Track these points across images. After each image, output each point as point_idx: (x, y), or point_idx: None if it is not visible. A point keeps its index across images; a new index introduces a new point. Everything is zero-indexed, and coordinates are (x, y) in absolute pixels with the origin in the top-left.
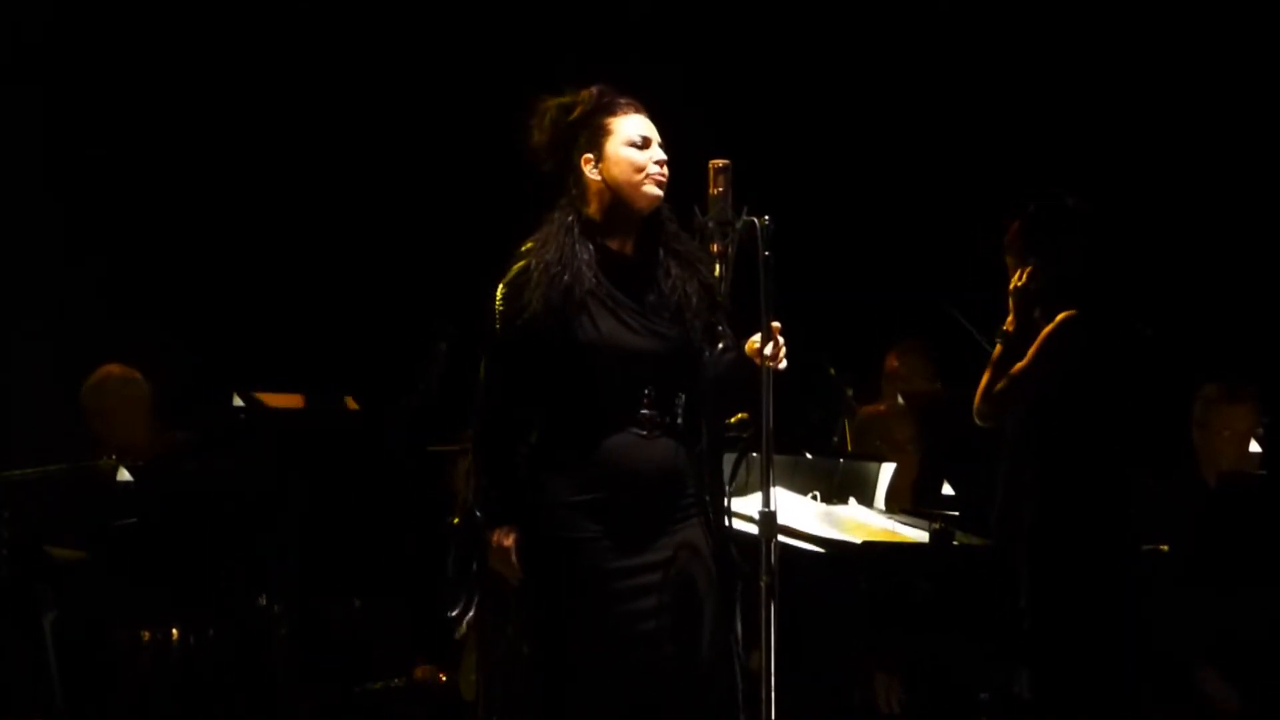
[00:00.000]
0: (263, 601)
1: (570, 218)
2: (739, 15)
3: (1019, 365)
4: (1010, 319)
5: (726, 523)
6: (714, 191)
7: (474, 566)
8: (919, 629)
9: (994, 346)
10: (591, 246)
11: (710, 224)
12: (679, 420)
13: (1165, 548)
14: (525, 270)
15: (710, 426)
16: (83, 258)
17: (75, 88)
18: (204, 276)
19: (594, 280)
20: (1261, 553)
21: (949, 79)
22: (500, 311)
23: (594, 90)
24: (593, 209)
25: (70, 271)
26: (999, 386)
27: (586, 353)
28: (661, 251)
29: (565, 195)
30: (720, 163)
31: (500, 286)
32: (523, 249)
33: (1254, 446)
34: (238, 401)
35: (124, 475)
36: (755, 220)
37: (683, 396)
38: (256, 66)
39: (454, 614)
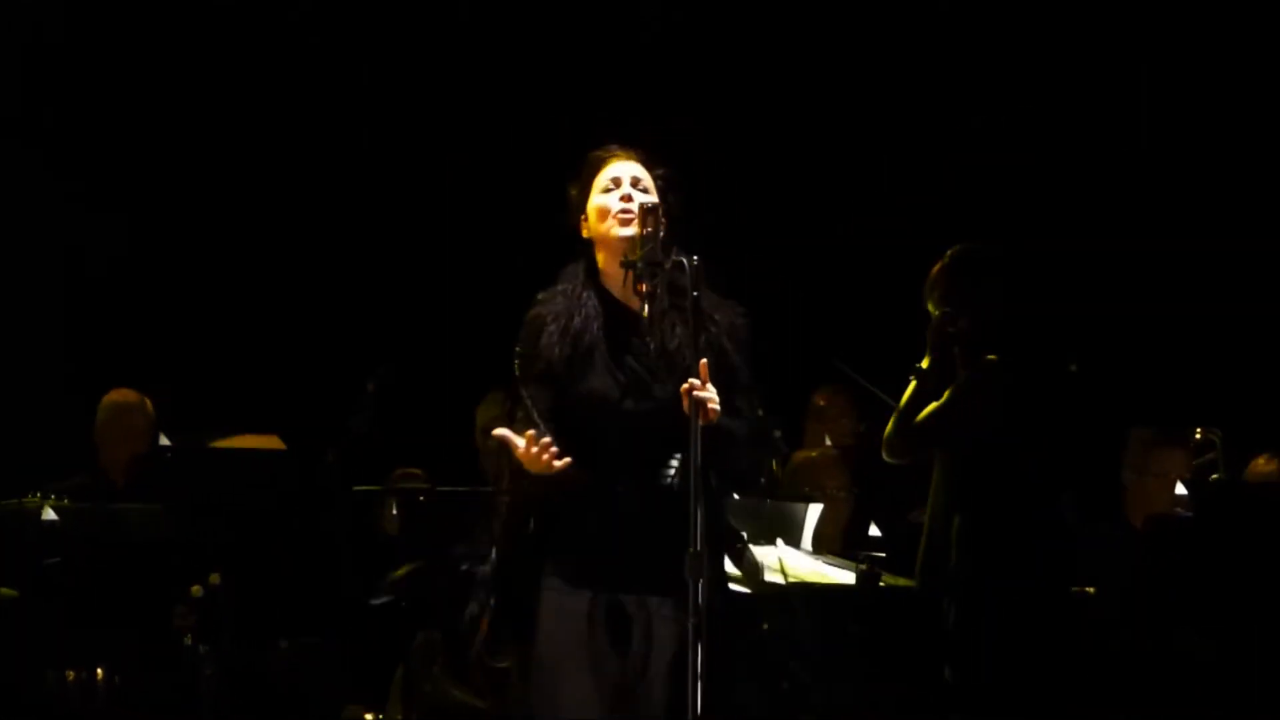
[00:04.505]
0: (189, 641)
1: (580, 269)
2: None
3: (935, 405)
4: (926, 357)
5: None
6: (643, 231)
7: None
8: (846, 670)
9: (908, 383)
10: (597, 297)
11: (639, 264)
12: (672, 481)
13: (1091, 590)
14: (539, 318)
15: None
16: (23, 299)
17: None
18: (136, 315)
19: (599, 331)
20: (1192, 594)
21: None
22: (519, 356)
23: (592, 154)
24: (597, 262)
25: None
26: (915, 422)
27: (582, 408)
28: (669, 306)
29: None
30: (649, 202)
31: (520, 339)
32: (538, 297)
33: (1179, 489)
34: (165, 441)
35: (49, 514)
36: (684, 260)
37: (678, 457)
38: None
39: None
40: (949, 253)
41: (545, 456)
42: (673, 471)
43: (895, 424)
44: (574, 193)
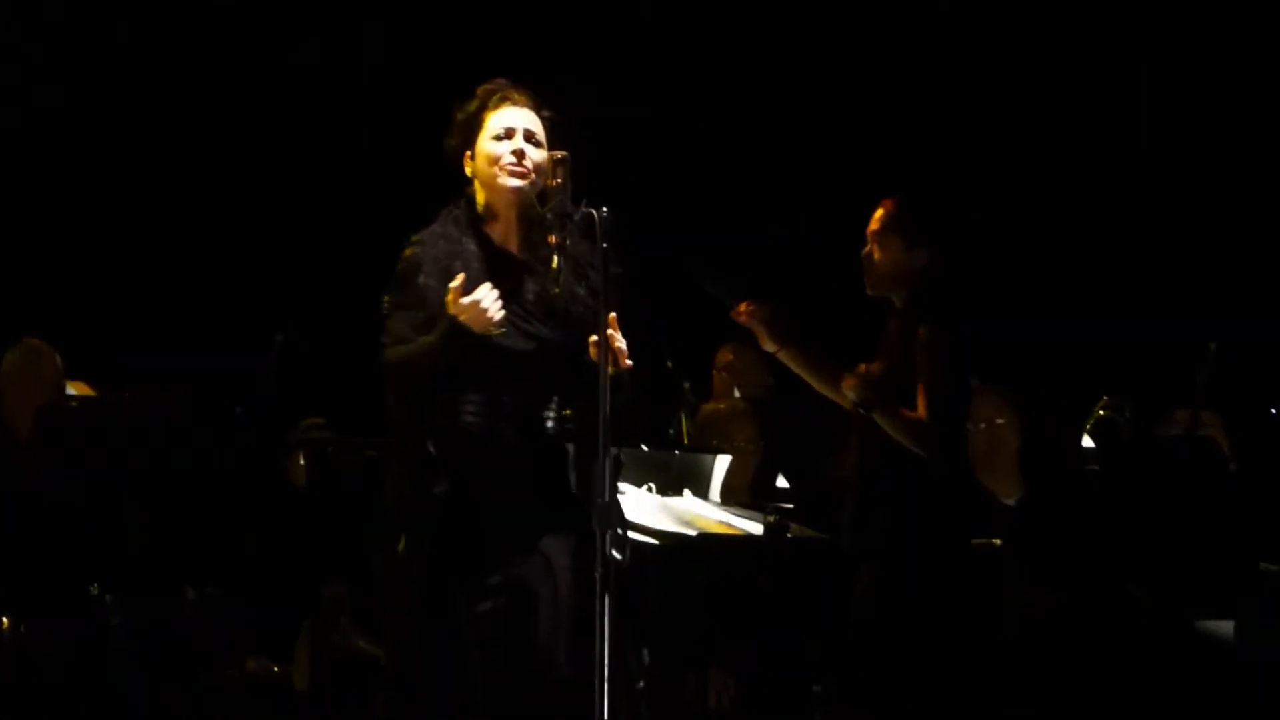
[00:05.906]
0: (95, 592)
1: (458, 211)
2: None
3: (929, 392)
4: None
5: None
6: (552, 183)
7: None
8: (754, 622)
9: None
10: (476, 239)
11: (548, 215)
12: (551, 423)
13: (998, 542)
14: (414, 263)
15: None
16: None
17: None
18: (35, 265)
19: (480, 278)
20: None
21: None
22: (391, 303)
23: (484, 87)
24: (478, 203)
25: None
26: (932, 419)
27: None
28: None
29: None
30: (559, 154)
31: (394, 279)
32: (412, 239)
33: (1086, 441)
34: (71, 391)
35: None
36: (594, 212)
37: (556, 400)
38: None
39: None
40: (893, 198)
41: (492, 308)
42: (553, 416)
43: (918, 439)
44: (460, 118)
